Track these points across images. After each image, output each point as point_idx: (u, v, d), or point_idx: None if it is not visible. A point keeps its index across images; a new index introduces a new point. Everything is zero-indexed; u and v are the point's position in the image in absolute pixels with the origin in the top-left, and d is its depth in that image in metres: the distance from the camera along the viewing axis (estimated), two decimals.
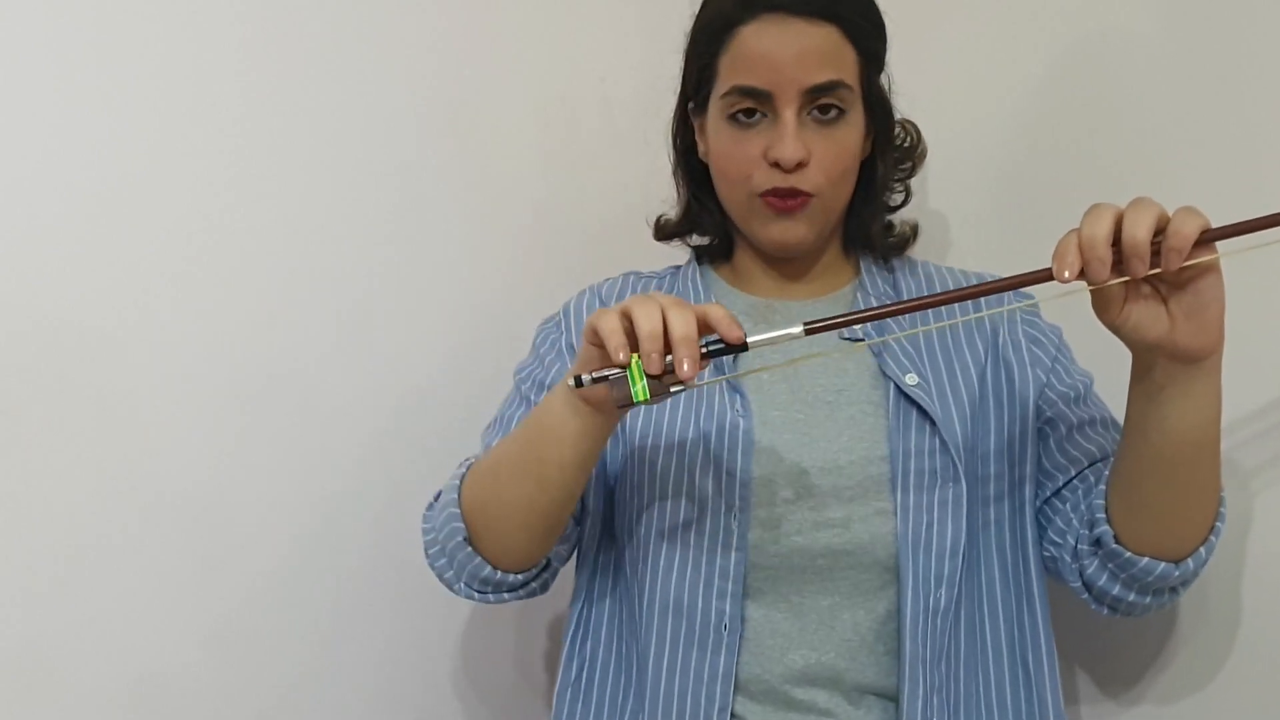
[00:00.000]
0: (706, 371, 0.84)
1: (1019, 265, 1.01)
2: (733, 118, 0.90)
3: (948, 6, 1.16)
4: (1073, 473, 0.90)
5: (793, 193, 0.89)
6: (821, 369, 0.91)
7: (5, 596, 0.94)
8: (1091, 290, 0.73)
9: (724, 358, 0.77)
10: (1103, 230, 0.70)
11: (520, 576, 0.90)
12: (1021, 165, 1.12)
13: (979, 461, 0.89)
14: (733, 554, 0.86)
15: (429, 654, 1.19)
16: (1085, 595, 0.88)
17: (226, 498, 1.05)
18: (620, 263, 1.06)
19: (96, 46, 0.98)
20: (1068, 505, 0.89)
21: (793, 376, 0.91)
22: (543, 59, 1.24)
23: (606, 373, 0.73)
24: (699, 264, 1.02)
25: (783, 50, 0.86)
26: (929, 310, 0.86)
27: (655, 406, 0.92)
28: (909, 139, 0.99)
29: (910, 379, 0.89)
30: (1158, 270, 0.70)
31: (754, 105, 0.88)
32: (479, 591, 0.91)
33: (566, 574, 1.02)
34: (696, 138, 0.98)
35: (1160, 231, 0.70)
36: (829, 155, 0.89)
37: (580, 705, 0.93)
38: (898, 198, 1.00)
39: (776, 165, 0.88)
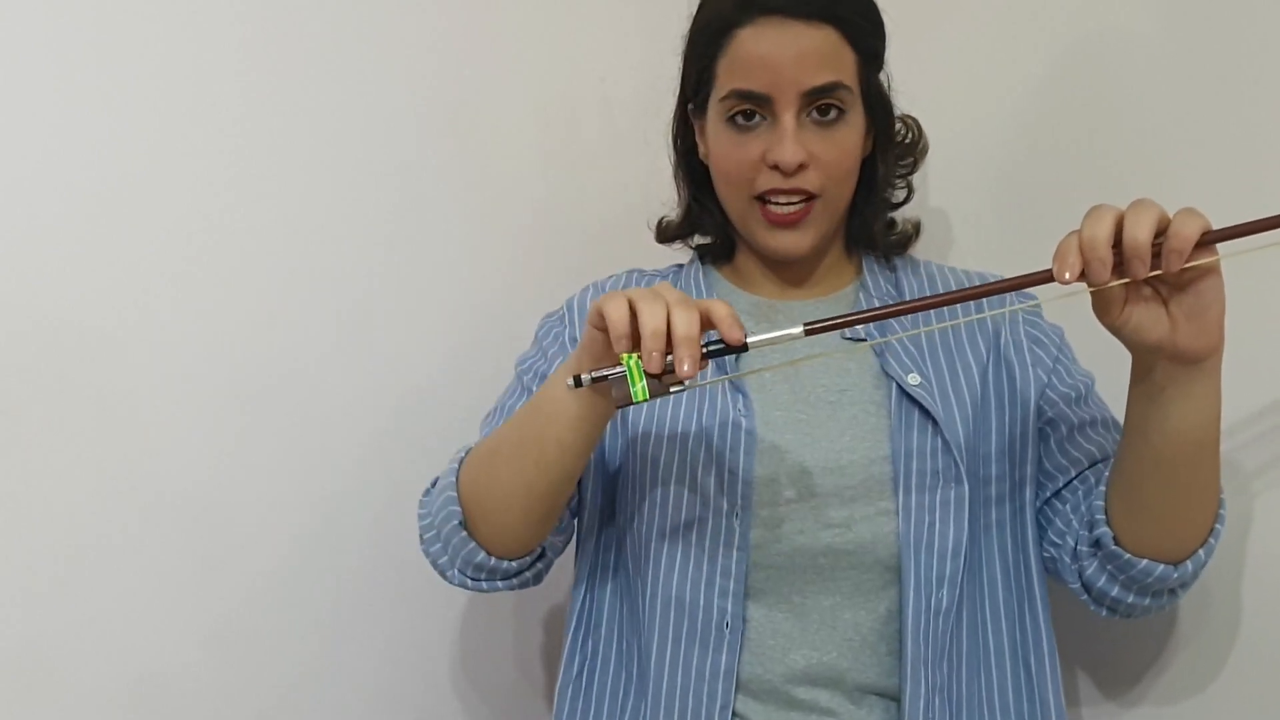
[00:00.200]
0: (708, 371, 0.84)
1: (1020, 264, 1.01)
2: (732, 120, 0.90)
3: (948, 6, 1.16)
4: (1073, 473, 0.90)
5: (795, 193, 0.89)
6: (823, 369, 0.91)
7: (5, 596, 0.94)
8: (1092, 292, 0.73)
9: (726, 357, 0.77)
10: (1103, 232, 0.70)
11: (515, 564, 0.90)
12: (1022, 164, 1.12)
13: (981, 462, 0.89)
14: (734, 553, 0.86)
15: (429, 654, 1.19)
16: (1085, 596, 0.88)
17: (226, 498, 1.05)
18: (620, 263, 1.06)
19: (96, 46, 0.98)
20: (1068, 506, 0.89)
21: (794, 376, 0.91)
22: (543, 59, 1.24)
23: (605, 372, 0.73)
24: (701, 263, 1.02)
25: (781, 53, 0.86)
26: (930, 310, 0.86)
27: (658, 405, 0.92)
28: (910, 134, 0.99)
29: (912, 379, 0.89)
30: (1158, 272, 0.70)
31: (753, 108, 0.88)
32: (472, 579, 0.91)
33: (565, 573, 1.02)
34: (697, 139, 0.98)
35: (1161, 233, 0.70)
36: (829, 157, 0.89)
37: (582, 702, 0.93)
38: (900, 195, 1.00)
39: (776, 168, 0.88)
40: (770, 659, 0.86)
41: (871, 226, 0.97)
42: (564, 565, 1.01)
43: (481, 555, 0.88)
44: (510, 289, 1.21)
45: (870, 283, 0.97)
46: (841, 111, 0.89)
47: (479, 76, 1.20)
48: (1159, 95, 1.02)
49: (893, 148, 0.96)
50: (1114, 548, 0.83)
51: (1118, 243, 0.70)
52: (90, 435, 0.98)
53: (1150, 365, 0.77)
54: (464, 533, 0.88)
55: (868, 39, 0.90)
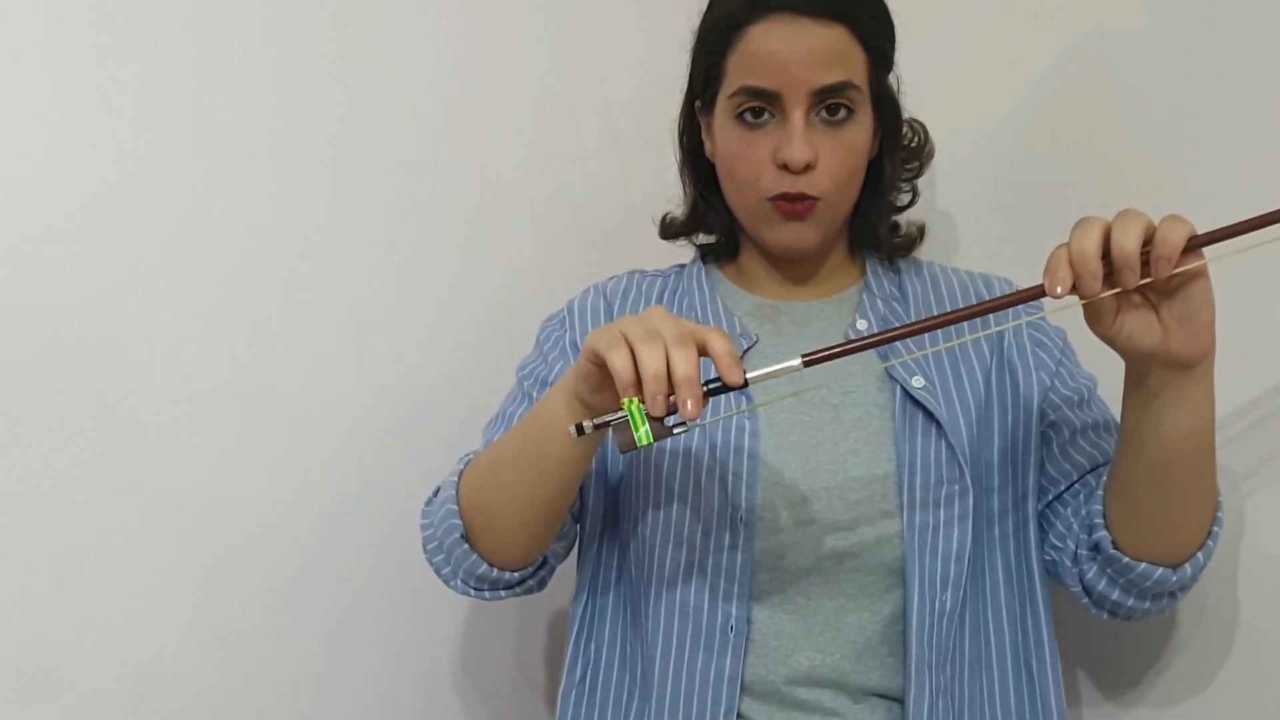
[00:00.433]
0: (707, 411, 0.84)
1: (1022, 264, 1.01)
2: (740, 117, 0.89)
3: (949, 7, 1.16)
4: (1075, 477, 0.90)
5: (800, 197, 0.89)
6: (827, 370, 0.91)
7: (5, 596, 0.94)
8: (1084, 303, 0.73)
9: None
10: (1092, 244, 0.70)
11: (517, 574, 0.90)
12: (1022, 165, 1.12)
13: (984, 465, 0.89)
14: (739, 556, 0.86)
15: (429, 654, 1.19)
16: (1085, 600, 0.88)
17: (226, 498, 1.05)
18: (620, 263, 1.06)
19: (96, 46, 0.98)
20: (1068, 510, 0.89)
21: (798, 379, 0.91)
22: (543, 59, 1.24)
23: (608, 418, 0.72)
24: (704, 263, 1.02)
25: (791, 51, 0.86)
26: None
27: None
28: (916, 138, 0.99)
29: (917, 381, 0.89)
30: (1148, 280, 0.71)
31: (762, 105, 0.88)
32: (475, 589, 0.91)
33: (567, 573, 1.02)
34: (703, 136, 0.98)
35: (1148, 241, 0.70)
36: (836, 157, 0.88)
37: (585, 707, 0.93)
38: (905, 198, 1.00)
39: (784, 167, 0.88)
40: (774, 661, 0.86)
41: (876, 228, 0.97)
42: (566, 569, 1.01)
43: (484, 567, 0.88)
44: (510, 289, 1.21)
45: (874, 284, 0.97)
46: (850, 111, 0.88)
47: (479, 76, 1.20)
48: (1159, 95, 1.02)
49: (899, 150, 0.96)
50: (1112, 551, 0.83)
51: (1106, 253, 0.71)
52: (90, 435, 0.98)
53: (1144, 372, 0.77)
54: (465, 545, 0.88)
55: (878, 39, 0.90)
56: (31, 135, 0.95)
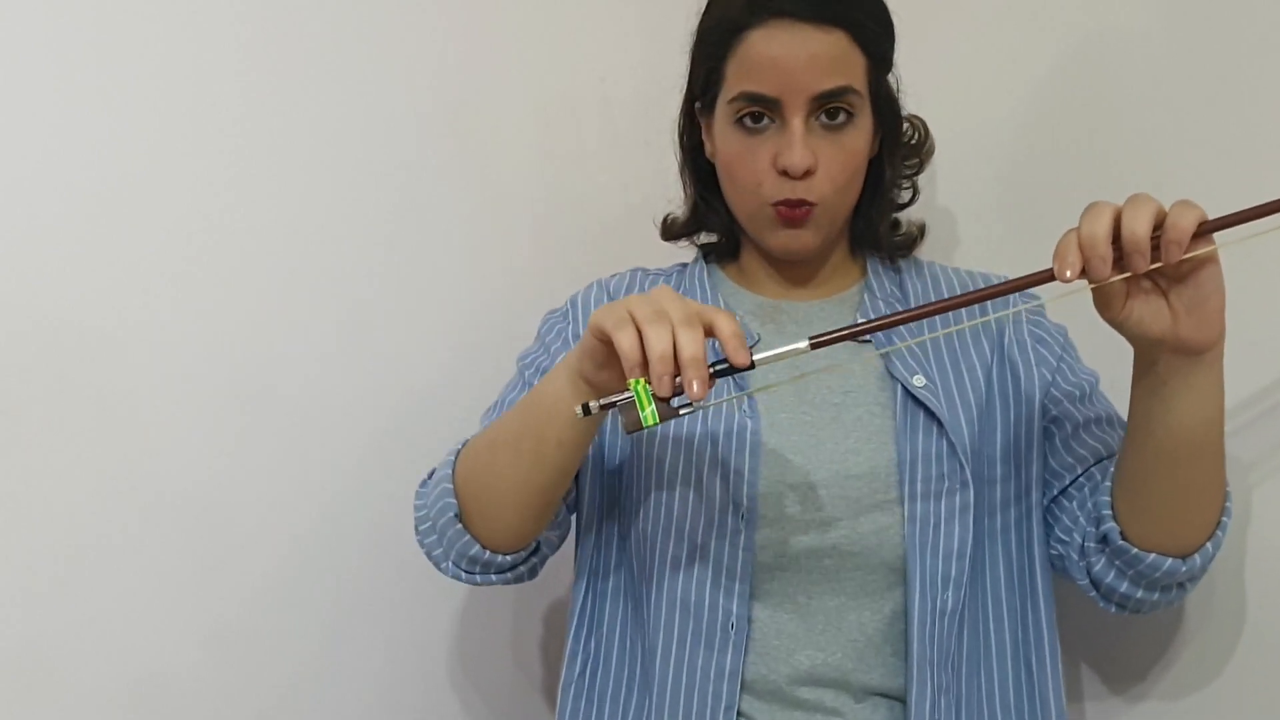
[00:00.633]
0: (713, 392, 0.84)
1: (1023, 264, 1.00)
2: (740, 122, 0.89)
3: (949, 6, 1.16)
4: (1079, 471, 0.90)
5: (801, 203, 0.88)
6: (829, 357, 0.91)
7: (5, 596, 0.94)
8: (1093, 288, 0.73)
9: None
10: (1102, 228, 0.70)
11: (509, 558, 0.89)
12: (1022, 165, 1.12)
13: (985, 463, 0.89)
14: (740, 554, 0.86)
15: (430, 654, 1.19)
16: (1093, 593, 0.88)
17: (226, 498, 1.05)
18: (620, 263, 1.06)
19: (96, 46, 0.98)
20: (1074, 503, 0.89)
21: (802, 363, 0.91)
22: (543, 59, 1.24)
23: (614, 399, 0.72)
24: (705, 262, 1.02)
25: (791, 57, 0.86)
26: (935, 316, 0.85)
27: None
28: (916, 135, 0.99)
29: (918, 380, 0.89)
30: (1158, 265, 0.71)
31: (762, 111, 0.88)
32: (466, 571, 0.90)
33: (565, 570, 1.02)
34: (703, 137, 0.98)
35: (1158, 226, 0.70)
36: (836, 161, 0.88)
37: (584, 702, 0.93)
38: (905, 195, 1.00)
39: (784, 173, 0.88)
40: (775, 659, 0.86)
41: (876, 228, 0.97)
42: (564, 563, 1.01)
43: (476, 548, 0.88)
44: (510, 289, 1.21)
45: (875, 284, 0.97)
46: (850, 115, 0.88)
47: (479, 76, 1.20)
48: (1159, 95, 1.02)
49: (899, 149, 0.96)
50: (1121, 543, 0.83)
51: (1116, 238, 0.71)
52: (90, 435, 0.98)
53: (1153, 359, 0.77)
54: (459, 525, 0.88)
55: (878, 42, 0.89)
56: (31, 135, 0.95)
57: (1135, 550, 0.82)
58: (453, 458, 0.90)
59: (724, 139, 0.92)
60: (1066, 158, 1.09)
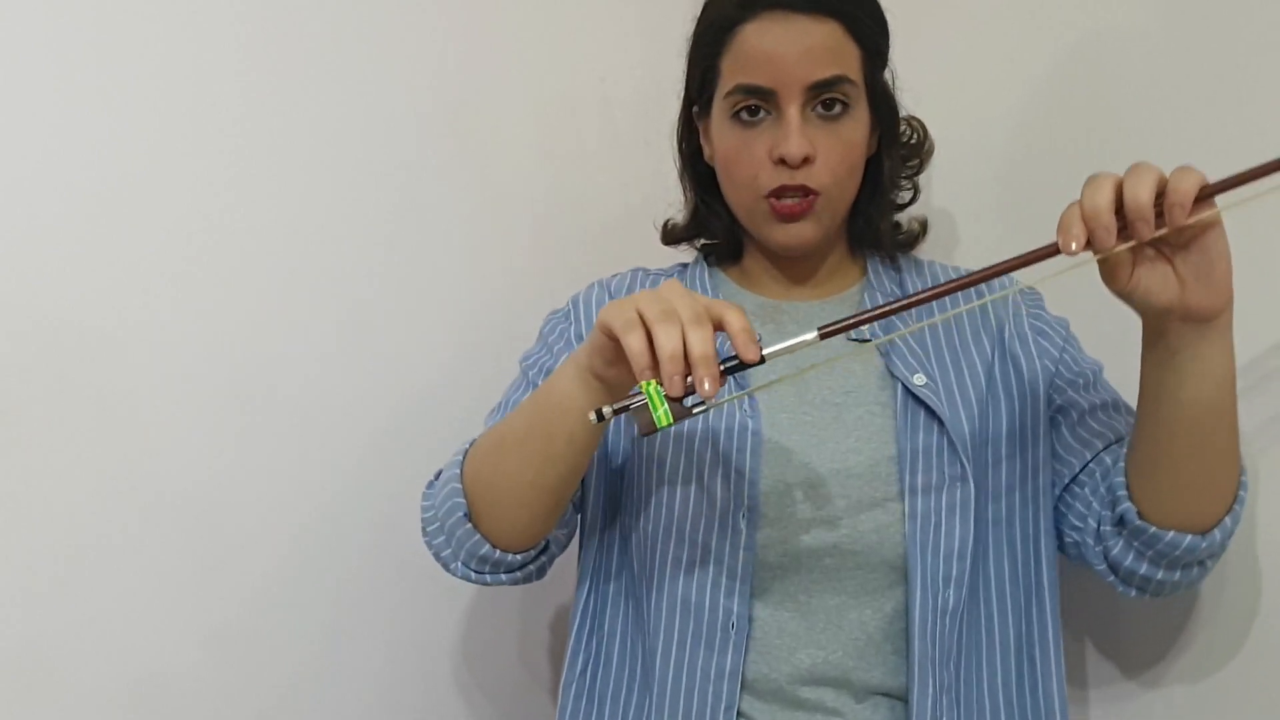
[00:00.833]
0: (724, 389, 0.83)
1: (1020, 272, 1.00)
2: (736, 116, 0.90)
3: (949, 6, 1.16)
4: (1088, 457, 0.89)
5: (800, 190, 0.88)
6: (829, 371, 0.91)
7: (5, 596, 0.94)
8: (1099, 260, 0.73)
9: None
10: (1104, 198, 0.70)
11: (519, 557, 0.89)
12: (1020, 164, 1.12)
13: (988, 460, 0.89)
14: (740, 554, 0.86)
15: (430, 654, 1.19)
16: (1112, 578, 0.87)
17: (226, 498, 1.05)
18: (620, 263, 1.06)
19: (96, 46, 0.98)
20: (1086, 489, 0.88)
21: (800, 379, 0.91)
22: (543, 59, 1.24)
23: (626, 403, 0.72)
24: (706, 263, 1.02)
25: (785, 47, 0.86)
26: (937, 301, 0.84)
27: None
28: (915, 135, 0.99)
29: (918, 379, 0.89)
30: (1163, 231, 0.71)
31: (758, 103, 0.88)
32: (476, 571, 0.90)
33: (568, 571, 1.02)
34: (701, 142, 0.98)
35: (1161, 193, 0.70)
36: (834, 152, 0.89)
37: (585, 701, 0.93)
38: (905, 195, 1.00)
39: (782, 163, 0.88)
40: (776, 659, 0.86)
41: (877, 226, 0.97)
42: (567, 563, 1.01)
43: (486, 548, 0.88)
44: (510, 289, 1.21)
45: (875, 283, 0.97)
46: (846, 106, 0.89)
47: (479, 76, 1.20)
48: (1157, 95, 1.02)
49: (898, 147, 0.96)
50: (1139, 523, 0.82)
51: (1119, 209, 0.71)
52: (90, 435, 0.98)
53: (1162, 330, 0.76)
54: (468, 525, 0.88)
55: (872, 34, 0.90)
56: (31, 135, 0.95)
57: (1154, 529, 0.82)
58: (460, 458, 0.90)
59: (721, 135, 0.92)
60: (1065, 157, 1.09)
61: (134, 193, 0.99)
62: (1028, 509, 0.90)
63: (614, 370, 0.77)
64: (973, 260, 1.11)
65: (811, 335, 0.72)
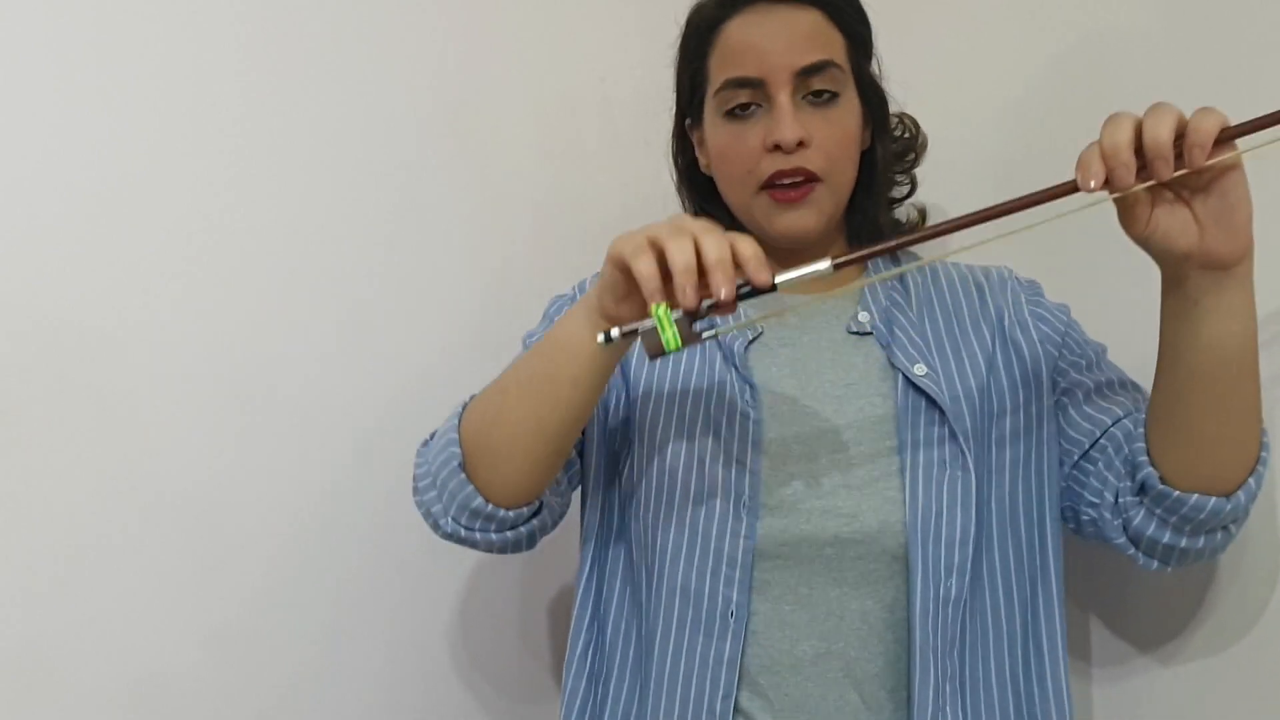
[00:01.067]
0: (731, 318, 0.82)
1: (1021, 264, 1.01)
2: (729, 113, 0.90)
3: (948, 6, 1.16)
4: (1098, 434, 0.88)
5: (797, 172, 0.89)
6: (830, 363, 0.91)
7: (5, 596, 0.94)
8: (1116, 200, 0.72)
9: (745, 303, 0.74)
10: (1124, 137, 0.70)
11: (510, 514, 0.87)
12: (1019, 163, 1.12)
13: (991, 448, 0.89)
14: (741, 543, 0.86)
15: (430, 653, 1.19)
16: (1132, 550, 0.86)
17: (226, 498, 1.05)
18: None
19: (96, 46, 0.98)
20: (1099, 464, 0.87)
21: (801, 370, 0.91)
22: (543, 59, 1.24)
23: (635, 326, 0.72)
24: None
25: (770, 38, 0.87)
26: (950, 234, 0.79)
27: (666, 394, 0.92)
28: (907, 131, 0.99)
29: (919, 369, 0.89)
30: (1183, 171, 0.70)
31: (748, 97, 0.89)
32: (465, 527, 0.88)
33: (568, 566, 1.02)
34: (696, 153, 0.99)
35: (1181, 135, 0.70)
36: (829, 137, 0.89)
37: (585, 683, 0.93)
38: (902, 190, 1.00)
39: (777, 149, 0.88)
40: (777, 649, 0.86)
41: (875, 220, 0.97)
42: (567, 561, 1.00)
43: (478, 500, 0.86)
44: (510, 289, 1.21)
45: (874, 276, 0.97)
46: (835, 94, 0.89)
47: (479, 76, 1.20)
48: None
49: (889, 138, 0.96)
50: (1161, 487, 0.81)
51: (1139, 149, 0.70)
52: (90, 435, 0.98)
53: (1181, 278, 0.75)
54: (462, 475, 0.86)
55: (854, 23, 0.91)
56: (31, 135, 0.95)
57: (1176, 493, 0.80)
58: (456, 416, 0.89)
59: (715, 134, 0.92)
60: (1064, 157, 1.07)
61: (134, 193, 0.99)
62: (1031, 497, 0.90)
63: (624, 307, 0.76)
64: (973, 260, 1.10)
65: (825, 265, 0.71)
